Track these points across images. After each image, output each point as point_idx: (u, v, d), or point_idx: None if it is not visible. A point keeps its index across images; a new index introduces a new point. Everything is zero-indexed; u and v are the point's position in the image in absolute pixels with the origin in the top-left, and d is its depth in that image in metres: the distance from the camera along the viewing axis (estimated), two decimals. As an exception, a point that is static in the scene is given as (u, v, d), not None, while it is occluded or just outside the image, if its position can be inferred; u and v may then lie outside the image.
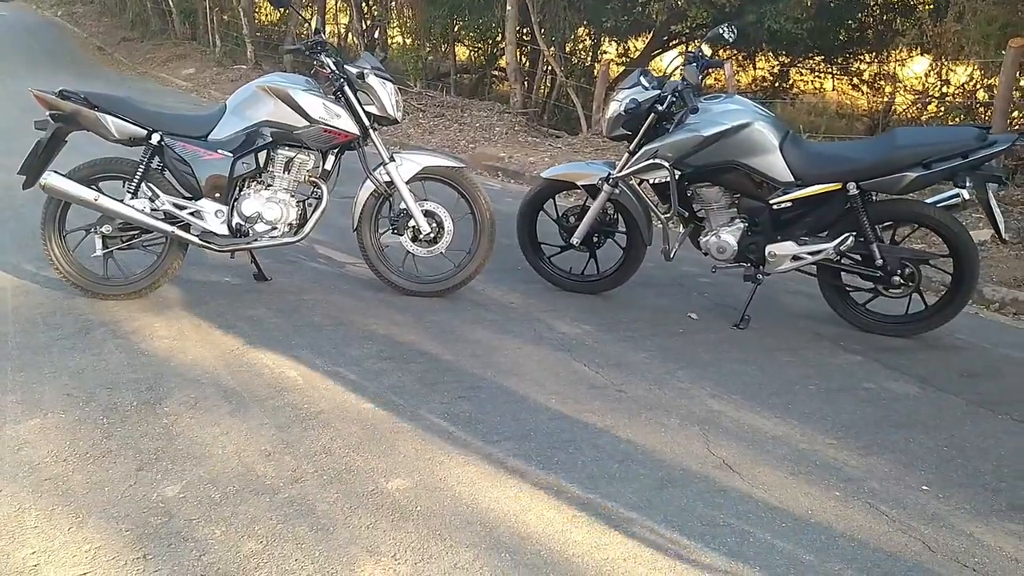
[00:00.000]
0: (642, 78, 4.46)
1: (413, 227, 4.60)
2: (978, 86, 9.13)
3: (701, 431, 3.26)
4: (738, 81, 12.32)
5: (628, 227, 4.75)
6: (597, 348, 4.07)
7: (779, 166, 4.26)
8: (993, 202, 4.08)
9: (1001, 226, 4.11)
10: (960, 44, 8.74)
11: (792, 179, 4.26)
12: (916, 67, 11.44)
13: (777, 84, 13.61)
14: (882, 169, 4.12)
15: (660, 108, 4.33)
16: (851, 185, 4.19)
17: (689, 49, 13.31)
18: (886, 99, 11.42)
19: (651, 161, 4.38)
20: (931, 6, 10.52)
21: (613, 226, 4.84)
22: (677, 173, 4.37)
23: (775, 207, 4.33)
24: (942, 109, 9.43)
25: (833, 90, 14.24)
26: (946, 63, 9.60)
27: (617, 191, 4.60)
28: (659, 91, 4.37)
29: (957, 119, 8.90)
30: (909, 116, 9.83)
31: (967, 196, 4.04)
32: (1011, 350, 4.35)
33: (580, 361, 3.89)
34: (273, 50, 17.77)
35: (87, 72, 16.92)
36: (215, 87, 15.29)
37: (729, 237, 4.44)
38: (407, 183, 4.55)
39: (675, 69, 3.79)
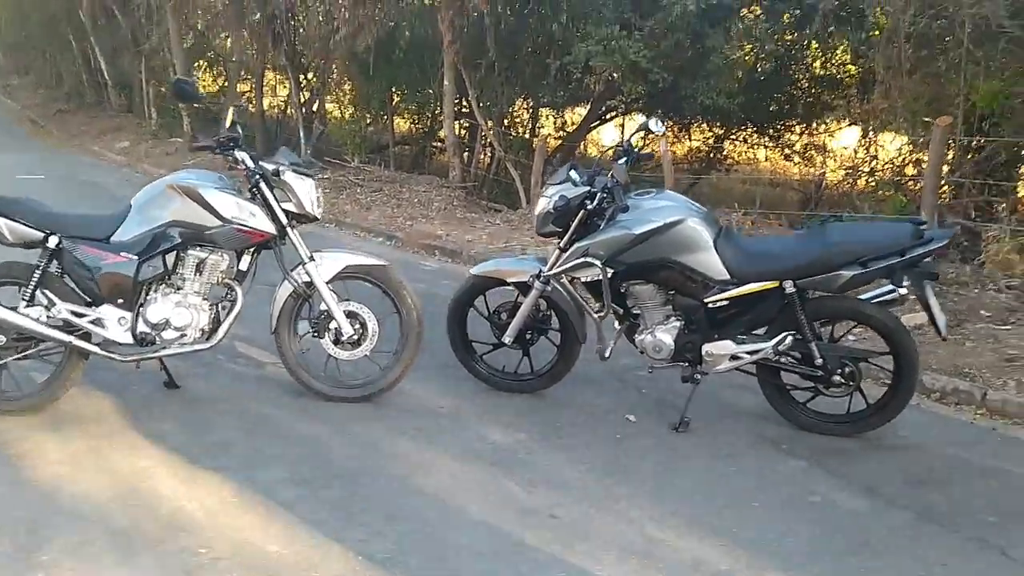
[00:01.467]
0: (572, 173, 4.25)
1: (335, 329, 4.28)
2: (906, 160, 9.17)
3: (640, 566, 2.97)
4: (674, 152, 12.31)
5: (561, 324, 4.50)
6: (530, 461, 3.77)
7: (713, 264, 4.06)
8: (932, 299, 3.92)
9: (940, 323, 3.94)
10: (887, 119, 8.79)
11: (727, 276, 4.06)
12: (845, 139, 11.54)
13: (712, 155, 13.66)
14: (818, 267, 3.94)
15: (590, 205, 4.12)
16: (788, 283, 4.00)
17: (626, 125, 13.32)
18: (818, 170, 11.47)
19: (582, 260, 4.15)
20: (857, 80, 10.64)
21: (546, 323, 4.59)
22: (609, 271, 4.15)
23: (711, 306, 4.12)
24: (873, 183, 9.45)
25: (766, 160, 14.34)
26: (873, 138, 9.65)
27: (549, 288, 4.36)
28: (589, 187, 4.16)
29: (887, 193, 8.90)
30: (841, 190, 9.84)
31: (903, 293, 3.87)
32: (956, 449, 4.16)
33: (511, 479, 3.59)
34: (212, 122, 17.44)
35: (19, 146, 16.42)
36: (149, 160, 14.89)
37: (664, 336, 4.21)
38: (328, 283, 4.25)
39: (612, 148, 3.60)
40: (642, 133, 4.36)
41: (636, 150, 4.32)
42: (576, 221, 4.16)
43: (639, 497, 3.47)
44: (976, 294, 6.61)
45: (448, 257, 8.70)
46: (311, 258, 4.25)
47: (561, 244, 4.24)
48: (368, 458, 3.72)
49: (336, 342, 4.31)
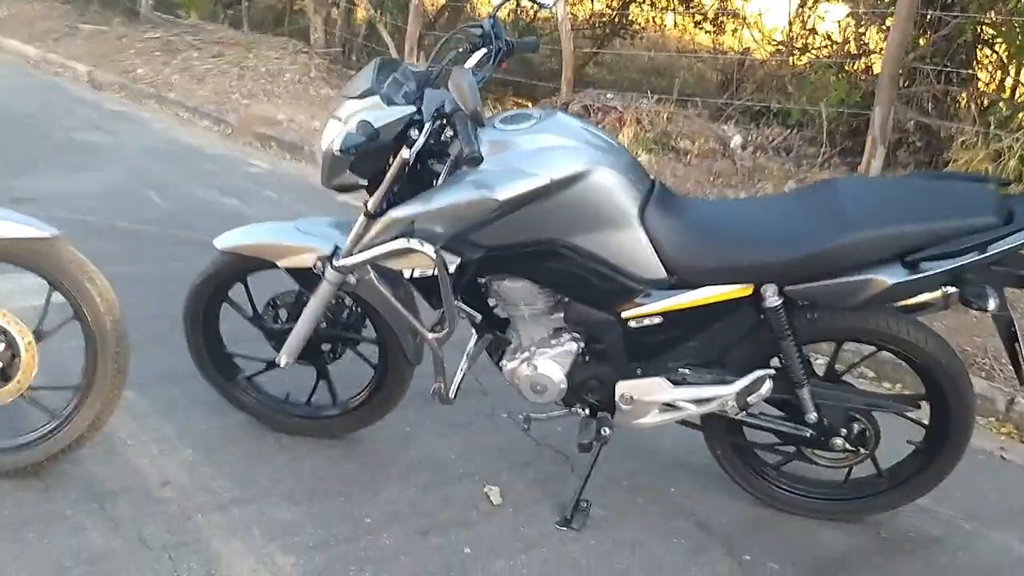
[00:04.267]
0: (390, 75, 2.22)
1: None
2: (848, 37, 7.29)
3: None
4: (573, 16, 10.13)
5: (378, 331, 2.55)
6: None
7: (640, 251, 2.16)
8: (1017, 326, 2.12)
9: (1026, 362, 2.16)
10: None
11: (663, 273, 2.17)
12: (772, 4, 9.53)
13: (616, 19, 11.49)
14: (827, 264, 2.07)
15: (415, 143, 2.10)
16: (769, 290, 2.12)
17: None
18: (739, 45, 9.50)
19: (402, 242, 2.17)
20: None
21: (355, 328, 2.62)
22: (454, 260, 2.19)
23: (633, 324, 2.22)
24: (807, 63, 7.56)
25: (675, 26, 12.26)
26: (812, 7, 7.72)
27: (352, 280, 2.37)
28: (413, 109, 2.13)
29: (826, 77, 7.04)
30: (768, 70, 7.91)
31: (993, 308, 2.03)
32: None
33: None
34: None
35: None
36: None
37: (551, 367, 2.32)
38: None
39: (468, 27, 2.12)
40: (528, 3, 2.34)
41: (506, 40, 2.30)
42: (392, 170, 2.15)
43: None
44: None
45: (287, 152, 6.54)
46: None
47: (368, 207, 2.23)
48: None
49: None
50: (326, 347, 2.63)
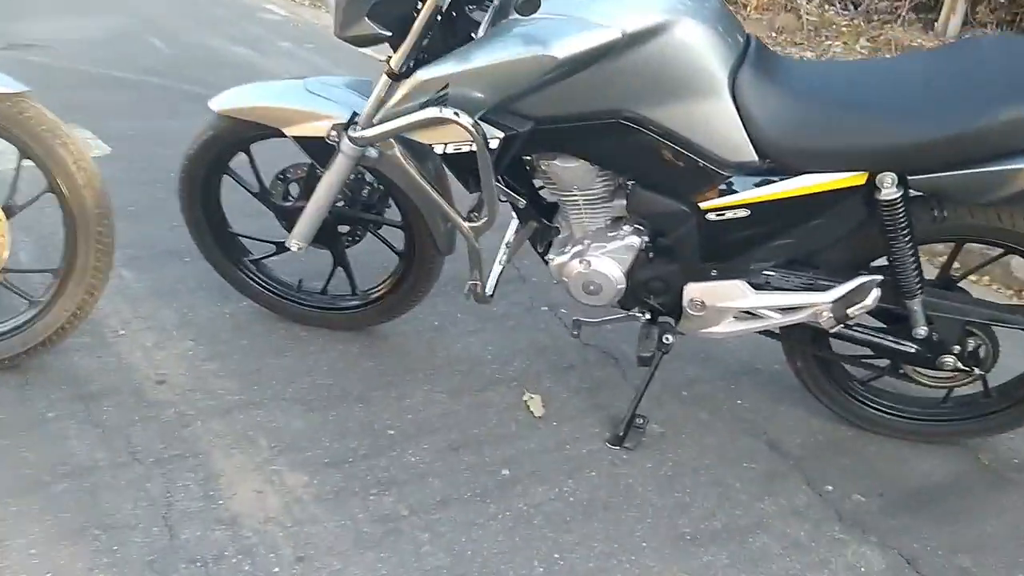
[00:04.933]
0: None
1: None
2: None
3: None
4: None
5: (404, 214, 2.15)
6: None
7: (727, 127, 1.71)
8: None
9: None
10: None
11: (754, 156, 1.73)
12: None
13: None
14: (964, 149, 1.62)
15: (454, -21, 1.64)
16: (887, 179, 1.68)
17: None
18: None
19: (433, 112, 1.73)
20: None
21: (377, 208, 2.22)
22: (497, 135, 1.76)
23: (713, 216, 1.80)
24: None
25: None
26: None
27: (373, 154, 1.95)
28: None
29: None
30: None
31: None
32: None
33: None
34: None
35: None
36: None
37: (608, 264, 1.93)
38: None
39: None
40: None
41: None
42: (421, 18, 1.69)
43: None
44: None
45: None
46: None
47: (392, 65, 1.78)
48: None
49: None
50: (343, 229, 2.24)
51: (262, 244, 2.32)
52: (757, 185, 1.75)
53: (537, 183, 1.99)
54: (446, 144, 1.82)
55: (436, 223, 2.07)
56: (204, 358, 2.20)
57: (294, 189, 2.19)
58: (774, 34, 4.99)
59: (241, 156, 2.19)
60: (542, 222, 2.03)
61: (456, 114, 1.70)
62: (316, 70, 4.40)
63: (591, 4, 1.65)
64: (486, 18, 1.74)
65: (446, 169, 1.96)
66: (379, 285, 2.30)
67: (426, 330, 2.39)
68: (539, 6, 1.45)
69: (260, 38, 4.91)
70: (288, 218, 2.17)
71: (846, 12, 5.47)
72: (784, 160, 1.73)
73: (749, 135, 1.72)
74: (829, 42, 4.90)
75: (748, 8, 5.32)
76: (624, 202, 1.91)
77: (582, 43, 1.63)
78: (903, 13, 5.47)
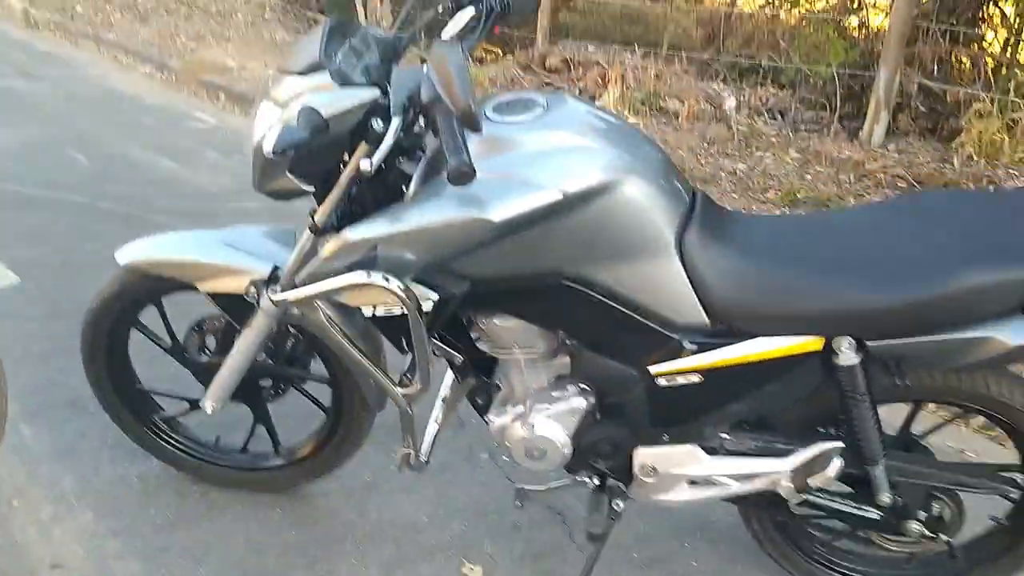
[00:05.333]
0: (345, 42, 1.61)
1: None
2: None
3: None
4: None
5: (330, 369, 1.97)
6: None
7: (674, 289, 1.59)
8: None
9: None
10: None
11: (705, 318, 1.61)
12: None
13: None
14: (926, 315, 1.52)
15: (378, 132, 1.50)
16: (844, 344, 1.58)
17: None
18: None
19: (360, 277, 1.58)
20: None
21: (302, 362, 2.04)
22: (431, 298, 1.61)
23: (663, 381, 1.67)
24: (800, 17, 6.95)
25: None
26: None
27: (296, 312, 1.78)
28: (378, 90, 1.53)
29: (822, 35, 6.46)
30: (757, 23, 7.27)
31: None
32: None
33: None
34: None
35: None
36: None
37: (552, 428, 1.77)
38: None
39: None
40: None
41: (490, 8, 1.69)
42: (344, 179, 1.55)
43: None
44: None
45: (235, 104, 5.81)
46: None
47: (316, 220, 1.63)
48: None
49: None
50: (265, 383, 2.05)
51: (175, 400, 2.10)
52: (708, 349, 1.63)
53: (474, 335, 1.84)
54: (375, 306, 1.67)
55: (366, 381, 1.90)
56: (106, 534, 1.96)
57: (210, 342, 2.00)
58: (706, 145, 5.02)
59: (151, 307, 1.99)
60: (481, 379, 1.88)
61: (385, 279, 1.56)
62: (244, 183, 4.24)
63: (529, 163, 1.53)
64: (417, 171, 1.62)
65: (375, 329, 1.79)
66: (304, 443, 2.10)
67: (356, 488, 2.19)
68: (475, 176, 1.32)
69: (187, 149, 4.74)
70: (202, 374, 1.98)
71: (774, 121, 5.56)
72: (736, 324, 1.62)
73: (699, 297, 1.61)
74: (760, 153, 4.94)
75: (679, 118, 5.36)
76: (568, 360, 1.77)
77: (520, 206, 1.51)
78: (829, 123, 5.59)
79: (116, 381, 2.06)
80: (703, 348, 1.63)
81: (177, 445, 2.13)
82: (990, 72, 5.75)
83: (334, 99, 1.51)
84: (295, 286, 1.69)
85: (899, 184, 4.56)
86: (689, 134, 5.20)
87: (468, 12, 1.64)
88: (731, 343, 1.62)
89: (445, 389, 1.99)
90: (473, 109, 1.25)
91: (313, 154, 1.54)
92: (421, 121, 1.59)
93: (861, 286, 1.54)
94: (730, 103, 5.52)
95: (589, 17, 10.45)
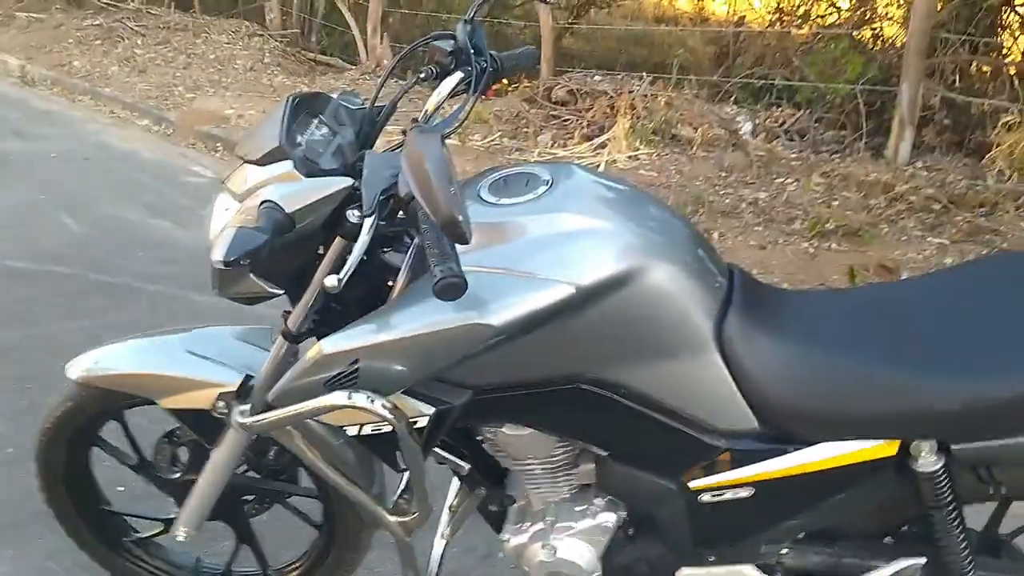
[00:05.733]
0: (314, 119, 1.36)
1: None
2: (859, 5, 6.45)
3: None
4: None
5: (318, 482, 1.71)
6: None
7: (715, 389, 1.32)
8: None
9: None
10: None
11: (754, 422, 1.33)
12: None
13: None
14: (1017, 413, 1.23)
15: (354, 221, 1.25)
16: (925, 448, 1.29)
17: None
18: (729, 12, 8.61)
19: (339, 399, 1.31)
20: None
21: (288, 473, 1.78)
22: (425, 413, 1.34)
23: (707, 496, 1.39)
24: (815, 32, 6.71)
25: (653, -8, 11.36)
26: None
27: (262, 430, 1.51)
28: (350, 179, 1.28)
29: (837, 49, 6.22)
30: (767, 42, 7.04)
31: None
32: None
33: None
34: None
35: None
36: None
37: (578, 549, 1.50)
38: None
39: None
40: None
41: (491, 55, 1.44)
42: (320, 273, 1.29)
43: None
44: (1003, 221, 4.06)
45: (233, 155, 5.57)
46: None
47: (290, 325, 1.37)
48: None
49: None
50: (247, 497, 1.79)
51: (148, 521, 1.85)
52: (760, 459, 1.35)
53: (489, 447, 1.58)
54: (361, 425, 1.40)
55: (356, 492, 1.63)
56: None
57: (183, 455, 1.74)
58: (724, 174, 4.76)
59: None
60: (491, 489, 1.61)
61: (370, 400, 1.30)
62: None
63: (534, 254, 1.27)
64: (404, 265, 1.36)
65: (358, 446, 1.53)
66: (295, 563, 1.83)
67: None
68: (466, 288, 1.06)
69: (183, 208, 4.52)
70: (177, 492, 1.72)
71: (792, 143, 5.29)
72: (791, 427, 1.34)
73: (745, 397, 1.33)
74: (781, 179, 4.67)
75: (693, 146, 5.10)
76: (592, 467, 1.50)
77: (526, 305, 1.25)
78: (851, 142, 5.32)
79: (80, 506, 1.80)
80: (753, 457, 1.35)
81: (153, 570, 1.86)
82: (1016, 82, 5.46)
83: (299, 191, 1.26)
84: (268, 404, 1.42)
85: (932, 207, 4.27)
86: (704, 163, 4.94)
87: (454, 79, 1.38)
88: (787, 450, 1.34)
89: (451, 496, 1.72)
90: (458, 219, 1.00)
91: (280, 254, 1.29)
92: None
93: (944, 379, 1.27)
94: (746, 127, 5.26)
95: (593, 42, 10.26)
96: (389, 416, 1.30)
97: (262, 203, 1.26)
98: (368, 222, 1.22)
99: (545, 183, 1.35)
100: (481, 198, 1.35)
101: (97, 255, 3.84)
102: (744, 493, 1.37)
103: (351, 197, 1.29)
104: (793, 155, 5.04)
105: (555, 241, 1.28)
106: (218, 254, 1.17)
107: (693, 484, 1.39)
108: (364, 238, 1.21)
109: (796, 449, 1.34)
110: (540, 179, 1.36)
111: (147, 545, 1.87)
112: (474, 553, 2.09)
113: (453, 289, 1.05)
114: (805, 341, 1.35)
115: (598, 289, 1.26)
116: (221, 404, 1.51)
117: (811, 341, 1.35)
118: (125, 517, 1.86)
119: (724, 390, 1.33)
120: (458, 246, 1.06)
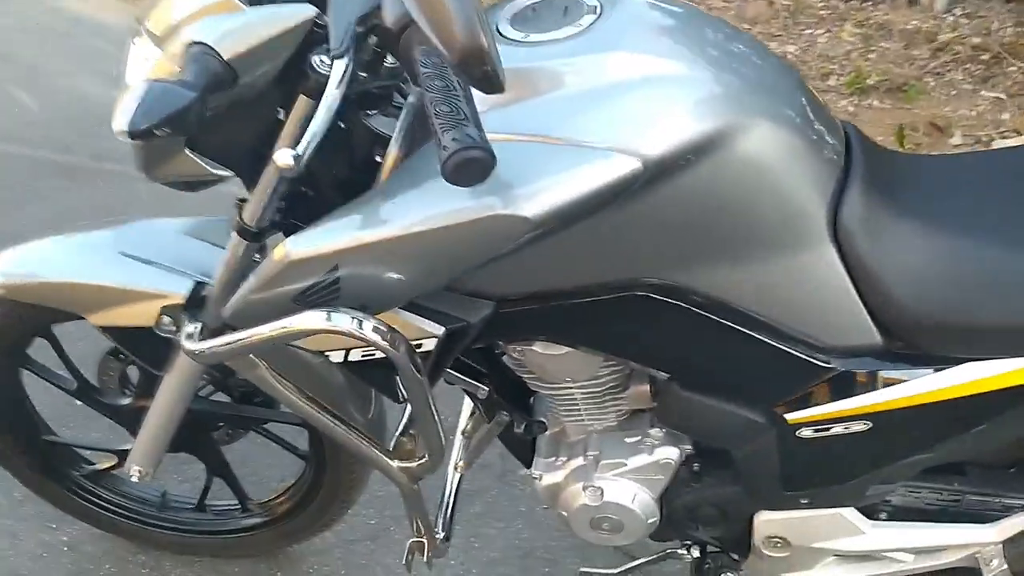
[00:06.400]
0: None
1: None
2: None
3: None
4: None
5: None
6: None
7: (828, 294, 0.95)
8: None
9: None
10: None
11: (877, 338, 0.97)
12: None
13: None
14: None
15: (322, 71, 0.85)
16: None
17: None
18: None
19: (316, 321, 0.94)
20: None
21: (263, 397, 1.43)
22: (434, 333, 0.98)
23: (808, 431, 1.04)
24: None
25: None
26: None
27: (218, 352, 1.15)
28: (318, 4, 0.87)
29: None
30: None
31: None
32: None
33: None
34: None
35: None
36: None
37: (629, 491, 1.17)
38: None
39: None
40: None
41: None
42: (268, 171, 0.90)
43: None
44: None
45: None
46: None
47: (246, 218, 0.98)
48: None
49: None
50: (216, 424, 1.45)
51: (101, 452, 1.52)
52: (882, 386, 1.00)
53: (522, 373, 1.22)
54: (347, 351, 1.04)
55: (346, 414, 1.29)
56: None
57: (134, 374, 1.39)
58: (746, 25, 4.24)
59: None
60: (517, 415, 1.27)
61: (356, 322, 0.93)
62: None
63: (581, 114, 0.88)
64: (397, 129, 0.97)
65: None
66: (280, 496, 1.52)
67: (359, 540, 1.62)
68: (491, 170, 0.67)
69: (149, 76, 4.02)
70: (128, 420, 1.38)
71: (820, -10, 4.73)
72: (929, 343, 0.98)
73: (867, 305, 0.97)
74: (810, 30, 4.17)
75: (712, -5, 4.55)
76: (646, 388, 1.15)
77: (571, 188, 0.86)
78: (883, -12, 4.76)
79: (18, 438, 1.46)
80: (873, 383, 1.00)
81: (110, 507, 1.54)
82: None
83: (243, 28, 0.85)
84: (224, 322, 1.06)
85: (981, 57, 3.80)
86: (724, 14, 4.41)
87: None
88: (919, 373, 0.98)
89: (464, 419, 1.39)
90: (485, 48, 0.60)
91: (221, 119, 0.89)
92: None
93: None
94: (770, -28, 4.68)
95: None
96: (383, 343, 0.94)
97: (190, 47, 0.85)
98: (339, 66, 0.82)
99: (591, 10, 0.94)
100: (501, 34, 0.94)
101: (53, 134, 3.41)
102: (858, 427, 1.03)
103: (317, 36, 0.89)
104: (821, 4, 4.50)
105: (610, 94, 0.89)
106: (121, 121, 0.78)
107: (790, 416, 1.04)
108: (334, 92, 0.82)
109: (935, 370, 0.99)
110: (584, 5, 0.95)
111: (103, 479, 1.55)
112: (489, 471, 1.77)
113: (473, 167, 0.67)
114: (950, 228, 0.98)
115: (673, 161, 0.87)
116: (166, 320, 1.14)
117: (958, 228, 0.98)
118: (74, 448, 1.53)
119: (840, 295, 0.97)
120: (482, 100, 0.67)
